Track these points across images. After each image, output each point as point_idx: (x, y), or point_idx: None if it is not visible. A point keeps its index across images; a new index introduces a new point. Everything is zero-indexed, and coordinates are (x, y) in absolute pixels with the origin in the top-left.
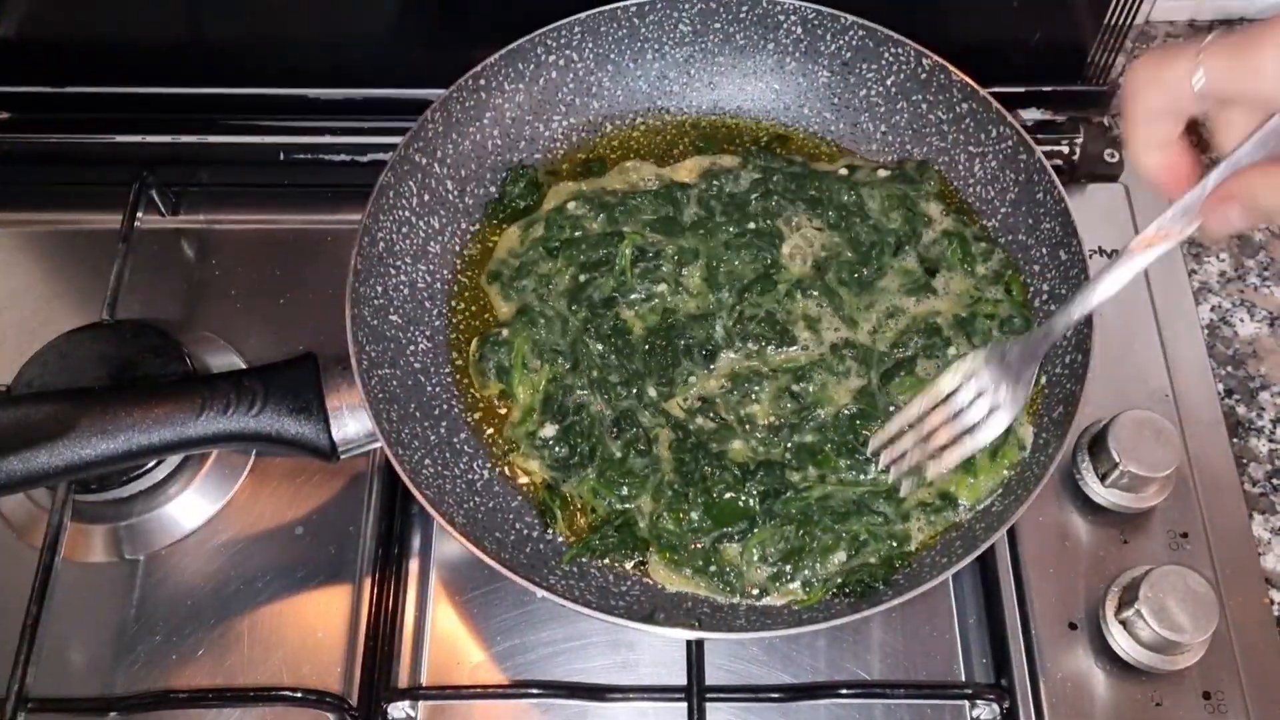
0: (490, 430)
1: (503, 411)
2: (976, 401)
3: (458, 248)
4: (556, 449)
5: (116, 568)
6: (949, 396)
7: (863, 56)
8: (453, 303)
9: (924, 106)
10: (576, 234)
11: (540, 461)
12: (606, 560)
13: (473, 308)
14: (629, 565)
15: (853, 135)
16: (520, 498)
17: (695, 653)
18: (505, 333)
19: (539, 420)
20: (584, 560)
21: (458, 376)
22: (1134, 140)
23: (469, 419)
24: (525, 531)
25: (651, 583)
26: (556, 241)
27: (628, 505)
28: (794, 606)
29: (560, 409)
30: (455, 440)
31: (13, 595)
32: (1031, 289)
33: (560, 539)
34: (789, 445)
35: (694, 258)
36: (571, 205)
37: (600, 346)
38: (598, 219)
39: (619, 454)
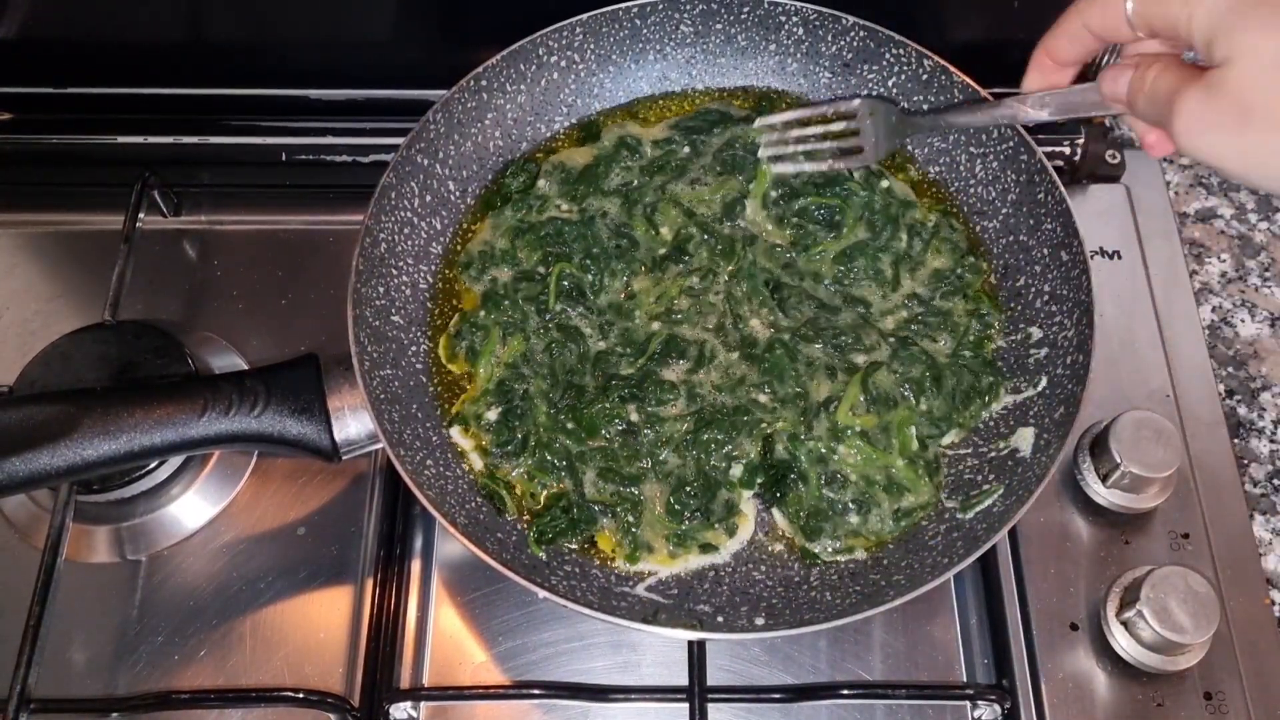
0: None
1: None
2: (851, 134)
3: (460, 248)
4: (497, 433)
5: (119, 568)
6: (832, 119)
7: (864, 58)
8: (455, 303)
9: (925, 107)
10: (541, 217)
11: (475, 440)
12: (573, 546)
13: None
14: (578, 544)
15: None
16: None
17: (697, 653)
18: (482, 315)
19: (487, 403)
20: (547, 546)
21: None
22: (1053, 39)
23: None
24: (522, 528)
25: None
26: (524, 224)
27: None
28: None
29: (508, 395)
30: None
31: (15, 596)
32: (1033, 290)
33: (518, 523)
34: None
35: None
36: (541, 183)
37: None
38: (565, 198)
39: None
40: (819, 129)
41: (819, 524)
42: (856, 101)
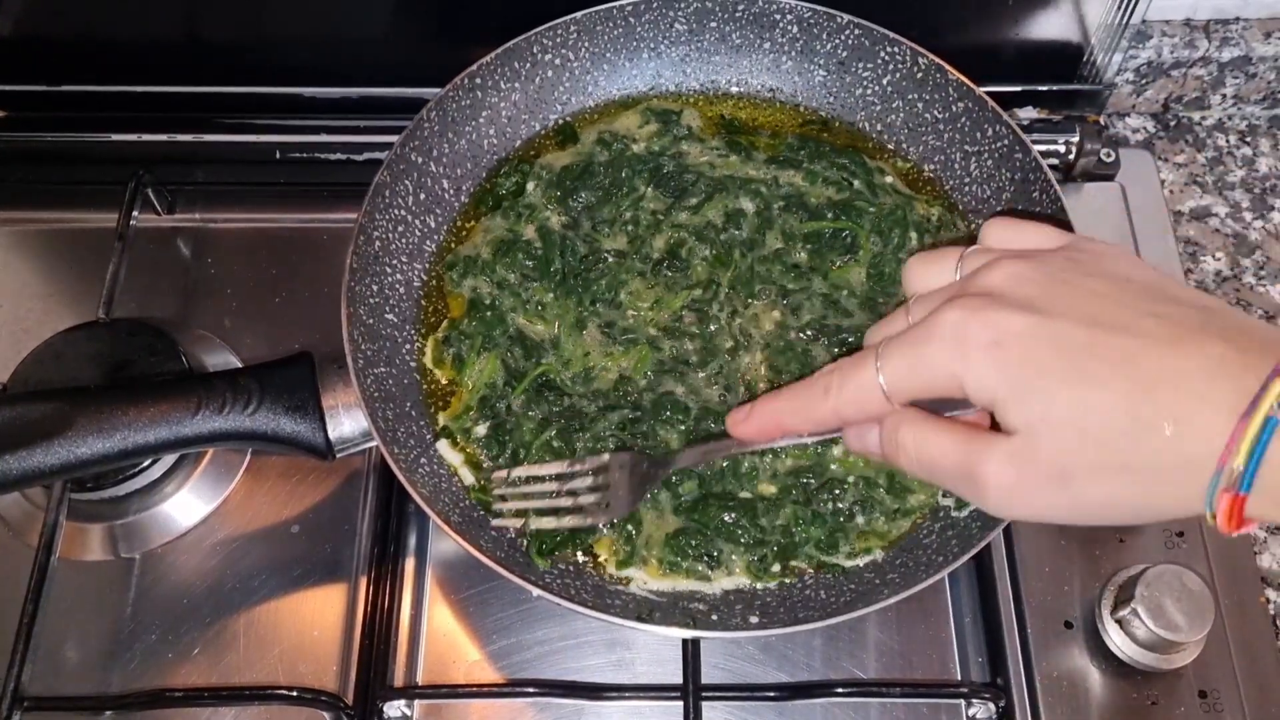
0: None
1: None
2: (595, 489)
3: (453, 246)
4: (488, 447)
5: (112, 566)
6: (578, 474)
7: (859, 55)
8: (449, 301)
9: (920, 105)
10: (527, 232)
11: (465, 455)
12: (573, 555)
13: None
14: (580, 555)
15: (848, 134)
16: None
17: (691, 652)
18: (466, 323)
19: (473, 419)
20: (548, 558)
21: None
22: (791, 419)
23: None
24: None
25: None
26: (511, 235)
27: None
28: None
29: (494, 411)
30: None
31: (9, 594)
32: None
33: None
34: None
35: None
36: (530, 187)
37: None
38: (554, 209)
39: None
40: (557, 485)
41: (834, 536)
42: (606, 457)
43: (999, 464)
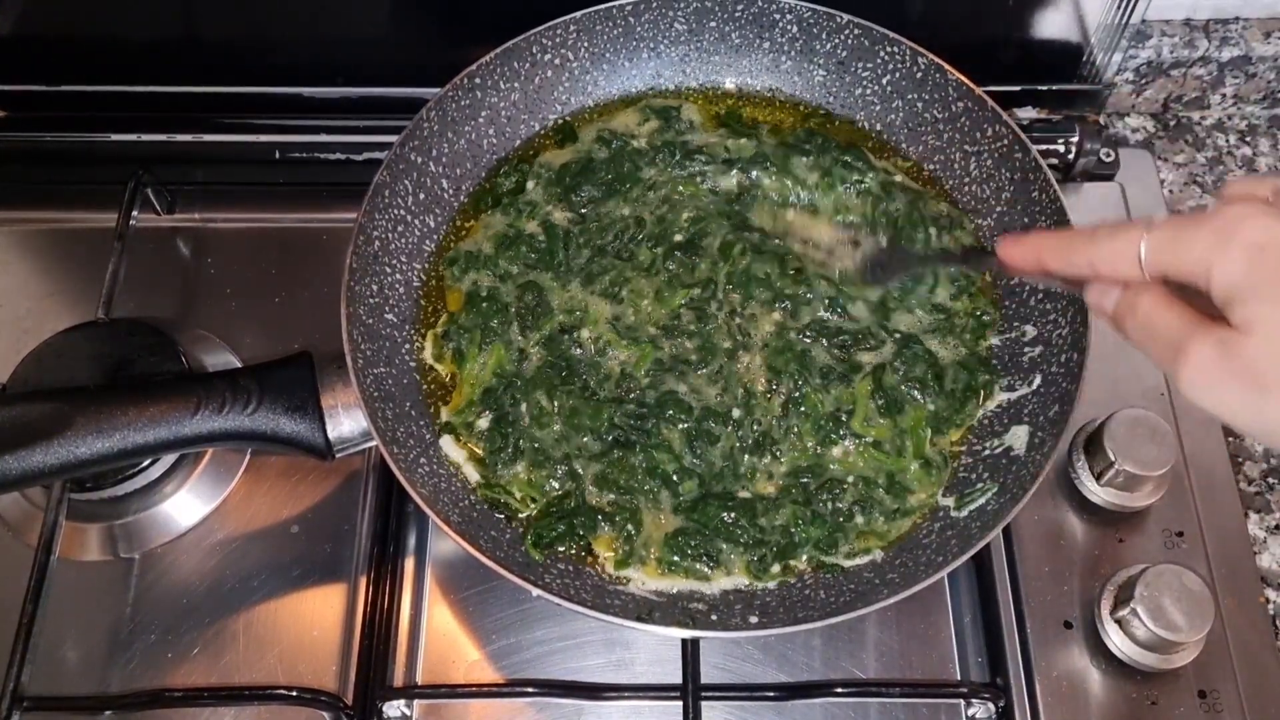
0: None
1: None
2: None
3: (452, 246)
4: (490, 440)
5: (112, 566)
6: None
7: (859, 55)
8: (447, 296)
9: (919, 105)
10: (529, 226)
11: (469, 451)
12: (570, 550)
13: None
14: (577, 550)
15: (848, 133)
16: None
17: (690, 651)
18: (464, 317)
19: (476, 412)
20: (544, 550)
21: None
22: (1048, 252)
23: None
24: (520, 530)
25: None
26: (512, 230)
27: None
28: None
29: (499, 403)
30: None
31: (8, 594)
32: (1026, 287)
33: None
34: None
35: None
36: (530, 185)
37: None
38: (555, 205)
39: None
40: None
41: (833, 536)
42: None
43: (1207, 347)
